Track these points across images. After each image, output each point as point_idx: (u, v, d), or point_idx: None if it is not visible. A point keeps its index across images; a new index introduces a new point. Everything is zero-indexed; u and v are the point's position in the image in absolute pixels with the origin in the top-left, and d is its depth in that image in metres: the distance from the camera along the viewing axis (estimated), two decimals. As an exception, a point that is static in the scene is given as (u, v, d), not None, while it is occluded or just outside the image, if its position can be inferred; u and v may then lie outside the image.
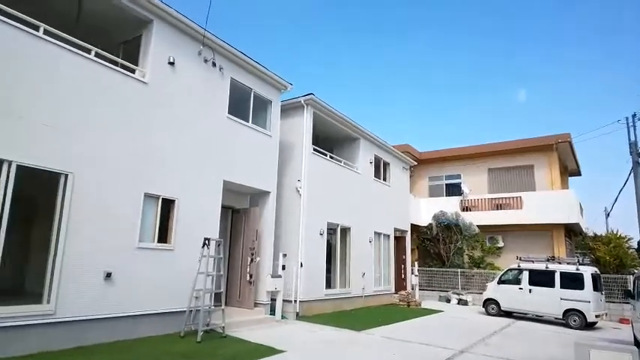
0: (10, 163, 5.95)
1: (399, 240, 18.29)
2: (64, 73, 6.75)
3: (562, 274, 13.04)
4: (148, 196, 7.86)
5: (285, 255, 10.93)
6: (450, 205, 20.13)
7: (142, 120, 7.92)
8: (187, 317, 7.89)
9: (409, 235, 18.72)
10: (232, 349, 7.28)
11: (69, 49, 6.86)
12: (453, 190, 21.73)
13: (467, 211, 20.13)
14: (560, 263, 13.64)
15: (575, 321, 12.43)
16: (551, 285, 13.09)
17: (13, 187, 5.95)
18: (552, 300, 12.93)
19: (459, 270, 18.57)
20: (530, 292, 13.49)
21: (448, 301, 17.81)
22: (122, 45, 9.07)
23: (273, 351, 7.24)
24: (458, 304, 17.35)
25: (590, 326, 12.47)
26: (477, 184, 21.04)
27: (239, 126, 10.20)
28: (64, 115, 6.68)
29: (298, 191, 12.09)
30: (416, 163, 20.08)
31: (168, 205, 8.30)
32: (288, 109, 12.92)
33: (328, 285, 12.97)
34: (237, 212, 11.09)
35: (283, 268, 10.79)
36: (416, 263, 18.26)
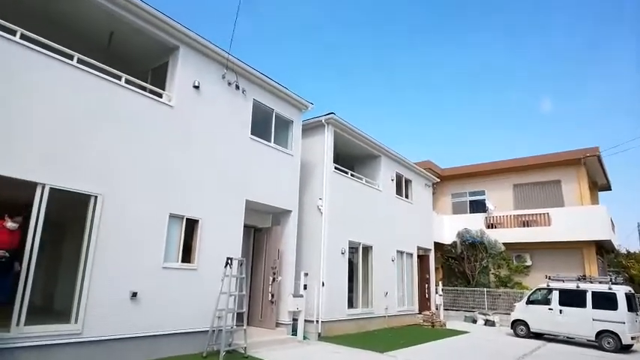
0: (43, 186, 6.20)
1: (423, 259, 17.99)
2: (91, 97, 7.05)
3: (594, 293, 12.54)
4: (172, 216, 8.03)
5: (307, 274, 10.91)
6: (474, 223, 19.75)
7: (168, 142, 8.15)
8: (210, 337, 7.92)
9: (433, 254, 18.41)
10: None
11: (100, 76, 7.18)
12: (477, 206, 21.34)
13: (492, 228, 19.69)
14: (591, 282, 13.15)
15: (609, 343, 11.87)
16: (583, 305, 12.59)
17: (45, 209, 6.19)
18: (584, 321, 12.42)
19: (485, 289, 18.08)
20: (560, 312, 13.00)
21: (474, 321, 17.31)
22: (151, 71, 9.44)
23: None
24: (484, 324, 16.84)
25: (625, 349, 11.87)
26: (501, 200, 20.61)
27: (261, 146, 10.36)
28: (95, 138, 6.95)
29: (320, 210, 12.12)
30: (438, 180, 19.86)
31: (192, 225, 8.45)
32: (310, 129, 13.06)
33: (350, 305, 12.82)
34: (260, 231, 11.17)
35: (305, 287, 10.76)
36: (440, 282, 17.91)
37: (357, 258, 13.39)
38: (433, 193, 22.26)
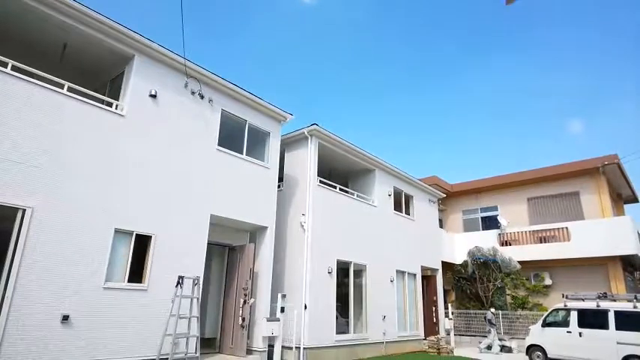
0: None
1: (429, 279, 16.71)
2: (32, 103, 6.65)
3: (617, 313, 11.05)
4: (119, 231, 7.42)
5: (284, 296, 10.02)
6: (487, 240, 18.37)
7: (117, 152, 7.64)
8: (158, 365, 7.11)
9: (440, 274, 17.09)
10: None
11: (38, 84, 6.81)
12: (490, 223, 19.94)
13: (506, 245, 18.25)
14: (614, 300, 11.65)
15: (637, 370, 10.32)
16: (605, 327, 11.10)
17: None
18: (607, 345, 10.90)
19: (500, 312, 16.53)
20: (580, 335, 11.50)
21: (489, 348, 15.71)
22: (110, 82, 9.10)
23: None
24: (501, 351, 15.24)
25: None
26: (516, 215, 19.18)
27: (231, 158, 9.77)
28: (27, 146, 6.50)
29: (302, 226, 11.31)
30: (444, 195, 18.72)
31: (144, 241, 7.81)
32: (293, 142, 12.46)
33: (340, 330, 11.75)
34: (233, 250, 10.43)
35: (282, 310, 9.85)
36: (450, 305, 16.53)
37: (349, 278, 12.38)
38: (441, 210, 21.11)
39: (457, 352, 14.21)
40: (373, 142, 64.00)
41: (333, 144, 12.59)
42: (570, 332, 11.71)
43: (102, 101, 7.86)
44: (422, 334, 14.91)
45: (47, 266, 6.42)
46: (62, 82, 7.25)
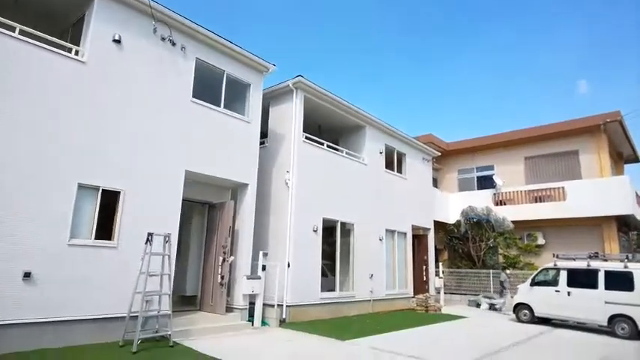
0: None
1: (421, 239, 16.54)
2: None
3: (607, 273, 10.83)
4: (83, 187, 7.02)
5: (265, 254, 9.78)
6: (481, 200, 18.06)
7: (78, 101, 7.10)
8: (127, 324, 6.90)
9: (432, 234, 16.89)
10: (168, 361, 6.21)
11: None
12: (486, 183, 19.54)
13: (501, 205, 17.95)
14: (606, 260, 11.41)
15: (622, 329, 10.19)
16: (594, 286, 10.91)
17: None
18: (595, 304, 10.75)
19: (490, 271, 16.47)
20: (568, 294, 11.34)
21: (478, 305, 15.78)
22: (71, 27, 8.41)
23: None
24: (489, 309, 15.30)
25: (644, 335, 10.22)
26: (512, 175, 18.75)
27: (208, 111, 9.21)
28: (-29, 96, 5.99)
29: (287, 184, 10.92)
30: (439, 154, 18.20)
31: (112, 197, 7.43)
32: (278, 95, 11.85)
33: (328, 288, 11.63)
34: (214, 207, 10.09)
35: (263, 268, 9.65)
36: (440, 264, 16.43)
37: (336, 237, 12.13)
38: (437, 169, 20.69)
39: (446, 310, 14.22)
40: (368, 100, 62.46)
41: (320, 98, 11.96)
42: (559, 291, 11.56)
43: (61, 47, 7.22)
44: (411, 293, 14.89)
45: (4, 221, 6.07)
46: (14, 24, 6.62)
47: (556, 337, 10.12)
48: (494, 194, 18.27)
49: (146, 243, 7.10)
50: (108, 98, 7.53)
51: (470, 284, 16.98)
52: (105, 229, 7.30)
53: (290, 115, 11.36)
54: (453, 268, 18.04)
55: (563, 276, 11.63)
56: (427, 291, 15.84)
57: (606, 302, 10.59)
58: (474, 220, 17.34)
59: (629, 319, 10.14)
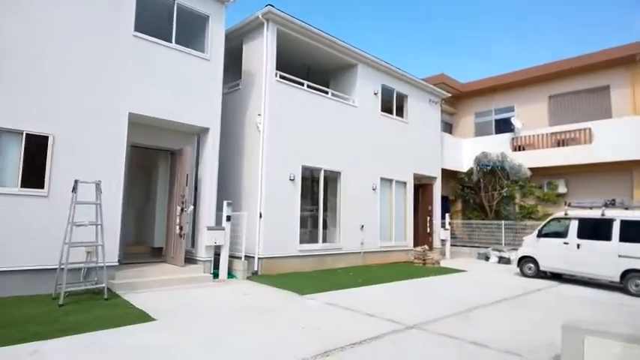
0: None
1: (425, 188, 15.39)
2: None
3: (623, 222, 9.44)
4: (3, 131, 6.45)
5: (230, 203, 9.10)
6: (498, 145, 16.46)
7: (-12, 37, 6.39)
8: (58, 275, 6.49)
9: (439, 183, 15.65)
10: (92, 315, 5.74)
11: None
12: (505, 127, 17.73)
13: (520, 150, 16.32)
14: (627, 209, 9.92)
15: (637, 285, 8.98)
16: (608, 238, 9.58)
17: None
18: (607, 257, 9.48)
19: (502, 222, 15.20)
20: (578, 247, 10.09)
21: (487, 259, 14.74)
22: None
23: (142, 319, 5.61)
24: (498, 262, 14.24)
25: (661, 294, 8.96)
26: (534, 116, 16.87)
27: (155, 47, 8.28)
28: None
29: (258, 128, 10.02)
30: (449, 95, 16.52)
31: (40, 142, 6.83)
32: (250, 32, 10.72)
33: (308, 239, 10.95)
34: (174, 155, 9.41)
35: (228, 219, 9.01)
36: (447, 215, 15.32)
37: (319, 186, 11.26)
38: (452, 114, 19.06)
39: (449, 264, 13.32)
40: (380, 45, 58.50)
41: (297, 31, 10.70)
42: (567, 243, 10.31)
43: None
44: (411, 245, 13.99)
45: None
46: None
47: (555, 294, 9.03)
48: (513, 139, 16.58)
49: (72, 191, 6.52)
50: (29, 32, 6.75)
51: (481, 236, 15.84)
52: (35, 177, 6.77)
53: (262, 52, 10.25)
54: (464, 219, 16.88)
55: (573, 226, 10.32)
56: (432, 243, 14.90)
57: (620, 256, 9.30)
58: (488, 167, 15.88)
59: (645, 275, 8.88)
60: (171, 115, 8.44)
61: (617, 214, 9.65)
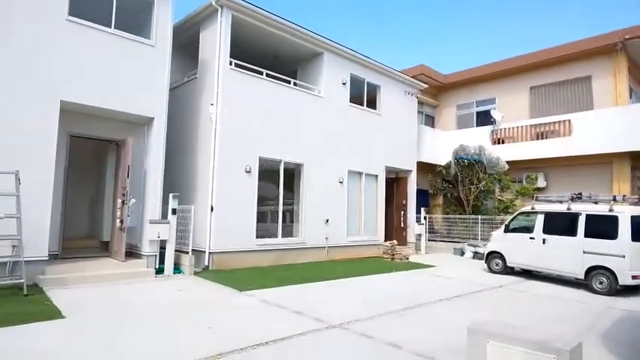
0: None
1: (399, 182, 15.01)
2: None
3: (588, 217, 9.04)
4: None
5: (176, 196, 8.78)
6: (478, 138, 16.03)
7: None
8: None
9: (414, 176, 15.23)
10: (1, 311, 5.45)
11: None
12: (486, 119, 17.29)
13: (499, 143, 15.90)
14: (596, 203, 9.49)
15: (601, 283, 8.57)
16: (573, 233, 9.19)
17: None
18: (572, 253, 9.08)
19: (479, 217, 14.81)
20: (543, 242, 9.70)
21: (462, 254, 14.37)
22: None
23: (51, 317, 5.32)
24: (473, 257, 13.86)
25: (626, 290, 8.57)
26: (515, 107, 16.42)
27: (92, 33, 7.91)
28: None
29: (210, 118, 9.66)
30: (426, 86, 16.06)
31: (-42, 131, 6.52)
32: (205, 19, 10.37)
33: (266, 233, 10.61)
34: (118, 146, 9.07)
35: (174, 212, 8.69)
36: (422, 210, 14.93)
37: (279, 178, 10.90)
38: (435, 106, 18.63)
39: (420, 259, 12.97)
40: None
41: (256, 18, 10.31)
42: (533, 239, 9.92)
43: None
44: (382, 240, 13.62)
45: None
46: None
47: (516, 291, 8.65)
48: (492, 131, 16.16)
49: (-16, 182, 6.21)
50: (-59, 14, 6.41)
51: (458, 231, 15.46)
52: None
53: (216, 40, 9.87)
54: (442, 214, 16.50)
55: (539, 221, 9.92)
56: (405, 238, 14.53)
57: (585, 252, 8.91)
58: (465, 160, 15.45)
59: (609, 272, 8.48)
60: (111, 104, 8.08)
61: (583, 209, 9.25)
